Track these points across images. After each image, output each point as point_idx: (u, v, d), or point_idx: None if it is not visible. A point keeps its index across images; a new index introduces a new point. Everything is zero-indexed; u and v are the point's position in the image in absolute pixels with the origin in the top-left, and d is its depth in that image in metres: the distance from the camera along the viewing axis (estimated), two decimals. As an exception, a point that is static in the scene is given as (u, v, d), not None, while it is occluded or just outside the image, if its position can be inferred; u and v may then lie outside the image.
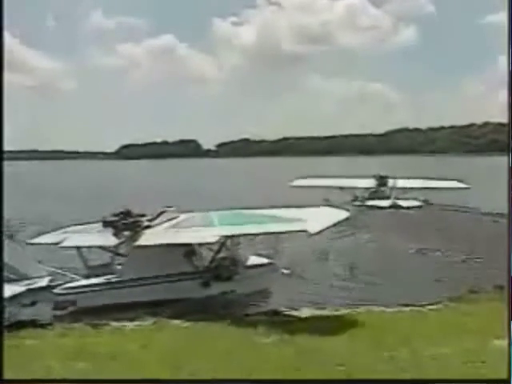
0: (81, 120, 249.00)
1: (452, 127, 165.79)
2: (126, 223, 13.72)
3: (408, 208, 28.17)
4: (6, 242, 10.91)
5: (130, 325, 10.74)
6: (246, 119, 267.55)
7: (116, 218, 13.78)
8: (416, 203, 29.05)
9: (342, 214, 14.33)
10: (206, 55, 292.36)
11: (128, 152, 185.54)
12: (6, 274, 11.03)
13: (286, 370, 7.36)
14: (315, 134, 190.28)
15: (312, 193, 29.12)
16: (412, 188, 30.58)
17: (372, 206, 28.83)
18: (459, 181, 31.22)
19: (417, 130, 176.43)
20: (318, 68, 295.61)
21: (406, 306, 11.67)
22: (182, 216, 14.69)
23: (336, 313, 11.22)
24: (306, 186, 32.64)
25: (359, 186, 32.29)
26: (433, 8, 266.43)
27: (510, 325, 6.73)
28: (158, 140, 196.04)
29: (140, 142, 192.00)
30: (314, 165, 51.31)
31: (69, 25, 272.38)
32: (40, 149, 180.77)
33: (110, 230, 13.74)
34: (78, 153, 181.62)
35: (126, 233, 13.67)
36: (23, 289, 11.96)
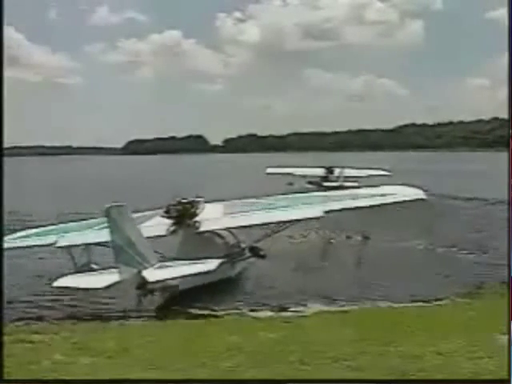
0: (88, 115, 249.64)
1: (461, 122, 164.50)
2: (191, 212, 14.87)
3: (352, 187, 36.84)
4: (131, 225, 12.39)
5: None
6: (253, 114, 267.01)
7: (180, 207, 14.83)
8: (356, 184, 37.37)
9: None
10: (213, 51, 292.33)
11: (135, 147, 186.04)
12: (135, 257, 12.25)
13: (291, 365, 7.34)
14: (322, 130, 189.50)
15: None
16: (358, 176, 40.60)
17: (326, 186, 37.97)
18: (387, 170, 41.64)
19: (424, 125, 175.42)
20: (325, 63, 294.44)
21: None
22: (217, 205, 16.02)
23: (343, 308, 11.18)
24: (277, 172, 43.91)
25: (315, 173, 43.50)
26: (440, 2, 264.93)
27: (510, 324, 6.72)
28: (165, 135, 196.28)
29: (147, 138, 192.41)
30: (319, 160, 51.20)
31: (76, 20, 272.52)
32: (46, 144, 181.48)
33: (170, 219, 14.72)
34: (85, 148, 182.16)
35: (189, 221, 14.71)
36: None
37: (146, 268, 12.30)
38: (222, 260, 13.19)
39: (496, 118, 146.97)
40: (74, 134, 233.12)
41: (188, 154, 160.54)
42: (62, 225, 16.35)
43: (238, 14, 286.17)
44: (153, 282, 12.11)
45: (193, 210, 14.94)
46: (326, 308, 11.16)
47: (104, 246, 13.52)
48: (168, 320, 10.67)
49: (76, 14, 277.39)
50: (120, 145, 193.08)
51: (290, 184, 40.26)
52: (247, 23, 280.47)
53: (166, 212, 14.87)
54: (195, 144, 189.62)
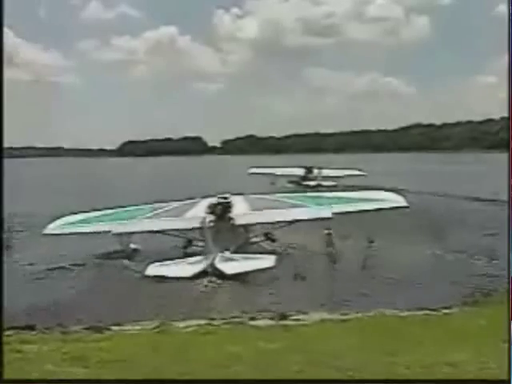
0: (81, 116, 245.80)
1: (469, 122, 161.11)
2: (229, 210, 18.45)
3: (328, 186, 40.85)
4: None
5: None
6: (252, 115, 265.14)
7: (221, 207, 18.46)
8: (332, 183, 41.96)
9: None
10: (210, 48, 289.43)
11: (130, 149, 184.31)
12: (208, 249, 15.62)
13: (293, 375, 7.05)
14: (324, 131, 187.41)
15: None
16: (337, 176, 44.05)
17: (305, 185, 42.83)
18: (360, 170, 46.07)
19: (431, 125, 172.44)
20: (327, 61, 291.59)
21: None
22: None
23: (345, 317, 10.87)
24: (259, 172, 46.96)
25: (295, 173, 46.74)
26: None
27: (510, 325, 6.75)
28: (162, 137, 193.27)
29: (143, 139, 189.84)
30: (320, 162, 51.22)
31: (68, 17, 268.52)
32: (38, 145, 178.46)
33: (213, 215, 18.07)
34: (78, 150, 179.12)
35: (226, 216, 18.17)
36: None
37: (211, 257, 15.18)
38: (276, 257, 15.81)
39: (504, 118, 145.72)
40: (66, 134, 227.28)
41: (185, 156, 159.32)
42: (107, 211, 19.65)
43: (236, 10, 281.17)
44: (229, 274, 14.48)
45: (230, 209, 18.49)
46: (328, 316, 10.87)
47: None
48: (164, 326, 10.35)
49: (68, 10, 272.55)
50: (114, 146, 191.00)
51: (273, 183, 43.44)
52: (245, 19, 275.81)
53: (210, 208, 18.41)
54: (192, 145, 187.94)
